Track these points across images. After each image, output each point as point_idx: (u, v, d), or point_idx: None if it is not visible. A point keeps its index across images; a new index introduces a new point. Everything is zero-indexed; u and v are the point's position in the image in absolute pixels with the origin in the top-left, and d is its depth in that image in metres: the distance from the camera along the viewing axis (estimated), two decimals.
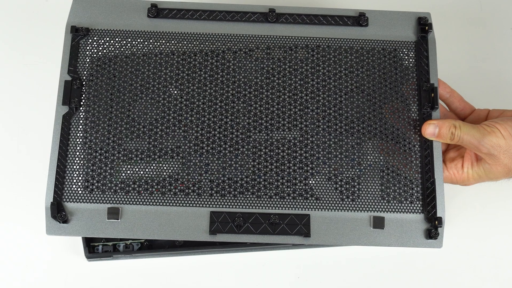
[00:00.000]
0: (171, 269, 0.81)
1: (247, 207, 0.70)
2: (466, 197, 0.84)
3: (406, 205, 0.71)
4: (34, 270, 0.80)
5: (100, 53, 0.73)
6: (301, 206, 0.70)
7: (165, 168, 0.70)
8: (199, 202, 0.70)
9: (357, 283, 0.81)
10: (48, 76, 0.87)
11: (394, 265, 0.82)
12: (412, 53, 0.75)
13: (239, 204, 0.70)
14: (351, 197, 0.70)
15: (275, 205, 0.70)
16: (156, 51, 0.74)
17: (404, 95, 0.74)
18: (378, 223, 0.70)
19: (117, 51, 0.74)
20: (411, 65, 0.75)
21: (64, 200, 0.69)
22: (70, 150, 0.70)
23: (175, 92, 0.73)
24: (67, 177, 0.70)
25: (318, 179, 0.71)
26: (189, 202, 0.70)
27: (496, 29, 0.92)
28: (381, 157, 0.72)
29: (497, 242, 0.83)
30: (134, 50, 0.74)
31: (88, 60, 0.73)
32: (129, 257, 0.79)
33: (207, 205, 0.70)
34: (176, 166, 0.71)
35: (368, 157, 0.72)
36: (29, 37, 0.89)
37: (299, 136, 0.72)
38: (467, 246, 0.83)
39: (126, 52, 0.74)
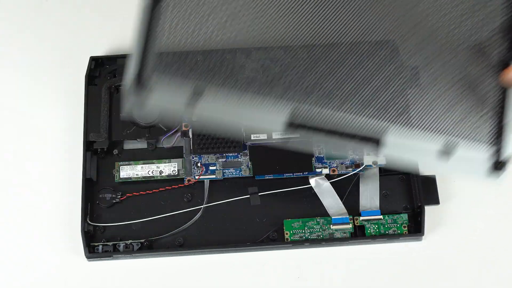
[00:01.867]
0: (171, 269, 0.80)
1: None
2: (464, 197, 0.84)
3: (476, 137, 0.70)
4: (34, 270, 0.80)
5: None
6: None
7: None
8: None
9: (357, 283, 0.81)
10: (47, 76, 0.87)
11: (394, 266, 0.82)
12: None
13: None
14: (426, 119, 0.69)
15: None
16: None
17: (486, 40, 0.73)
18: (448, 148, 0.69)
19: None
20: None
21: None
22: None
23: None
24: None
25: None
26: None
27: None
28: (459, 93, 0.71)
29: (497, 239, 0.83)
30: None
31: None
32: (129, 257, 0.79)
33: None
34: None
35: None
36: (29, 36, 0.89)
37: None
38: (469, 248, 0.83)
39: None
